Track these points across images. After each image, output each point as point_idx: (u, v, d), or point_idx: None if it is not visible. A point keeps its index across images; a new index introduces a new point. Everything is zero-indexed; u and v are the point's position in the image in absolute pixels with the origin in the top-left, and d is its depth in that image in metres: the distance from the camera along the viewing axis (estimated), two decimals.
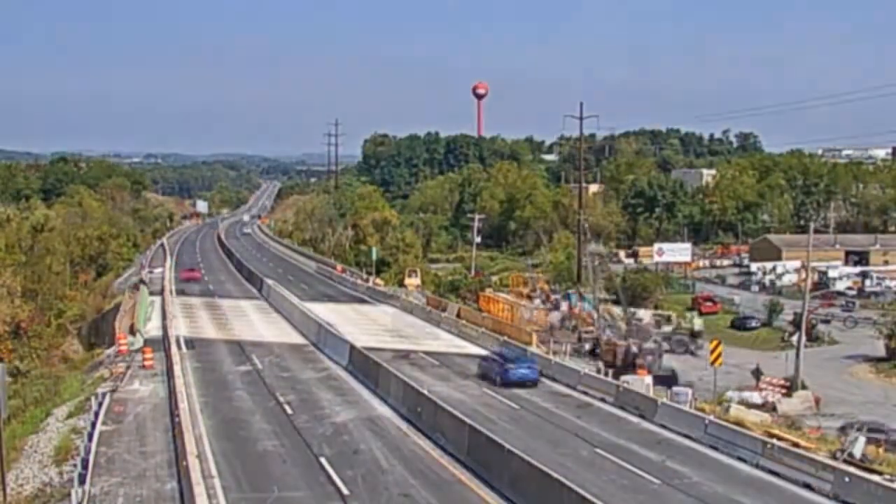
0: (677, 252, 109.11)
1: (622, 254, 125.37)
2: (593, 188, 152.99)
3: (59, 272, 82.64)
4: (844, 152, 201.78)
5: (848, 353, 64.52)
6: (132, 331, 51.39)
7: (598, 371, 44.64)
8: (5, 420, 28.06)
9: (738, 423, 32.48)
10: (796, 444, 30.37)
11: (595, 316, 50.34)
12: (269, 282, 74.33)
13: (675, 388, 39.18)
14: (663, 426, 32.62)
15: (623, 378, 40.89)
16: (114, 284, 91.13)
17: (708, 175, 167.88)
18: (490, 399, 37.54)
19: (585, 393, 38.43)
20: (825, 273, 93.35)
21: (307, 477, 25.97)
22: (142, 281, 75.95)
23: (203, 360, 44.80)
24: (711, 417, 32.02)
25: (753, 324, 74.71)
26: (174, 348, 43.95)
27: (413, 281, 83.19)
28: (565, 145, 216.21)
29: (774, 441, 28.92)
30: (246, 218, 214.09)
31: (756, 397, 46.32)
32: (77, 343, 67.15)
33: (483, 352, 47.98)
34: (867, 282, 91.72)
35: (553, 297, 74.38)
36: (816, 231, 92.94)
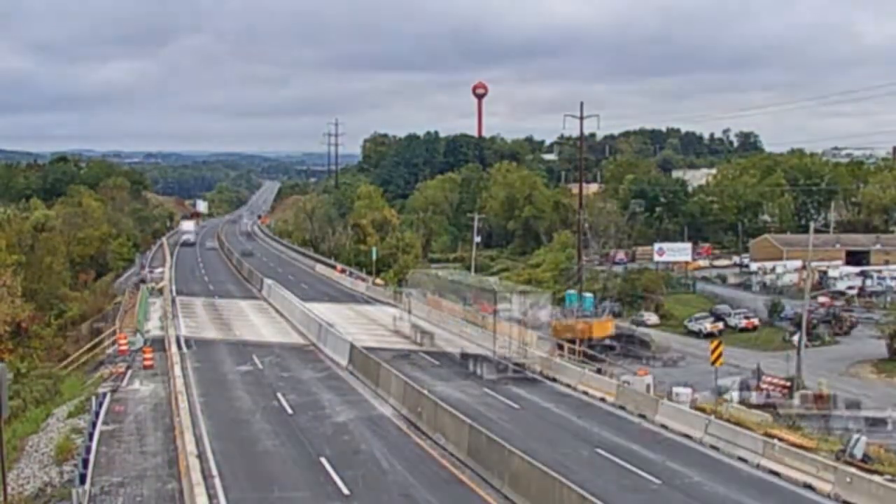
0: (677, 252, 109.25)
1: (619, 253, 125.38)
2: (593, 188, 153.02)
3: (59, 272, 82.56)
4: (845, 152, 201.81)
5: (849, 353, 64.50)
6: (133, 330, 51.34)
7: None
8: (6, 420, 28.02)
9: (739, 423, 32.44)
10: (797, 444, 30.33)
11: None
12: (269, 281, 74.34)
13: (675, 388, 39.19)
14: (664, 426, 32.62)
15: (623, 378, 40.88)
16: (114, 284, 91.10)
17: (708, 174, 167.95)
18: (490, 399, 37.55)
19: (586, 393, 38.43)
20: (825, 273, 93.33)
21: (307, 477, 25.96)
22: (142, 281, 75.99)
23: (203, 360, 44.79)
24: (712, 417, 32.00)
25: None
26: (174, 348, 43.94)
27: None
28: (565, 145, 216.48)
29: (775, 441, 28.90)
30: (246, 220, 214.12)
31: (756, 397, 46.35)
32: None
33: (483, 352, 47.82)
34: (868, 281, 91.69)
35: None
36: (817, 231, 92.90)
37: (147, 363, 42.63)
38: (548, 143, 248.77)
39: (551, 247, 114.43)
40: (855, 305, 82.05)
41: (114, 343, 49.33)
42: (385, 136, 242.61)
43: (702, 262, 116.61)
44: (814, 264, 69.34)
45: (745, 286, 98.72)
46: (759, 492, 25.88)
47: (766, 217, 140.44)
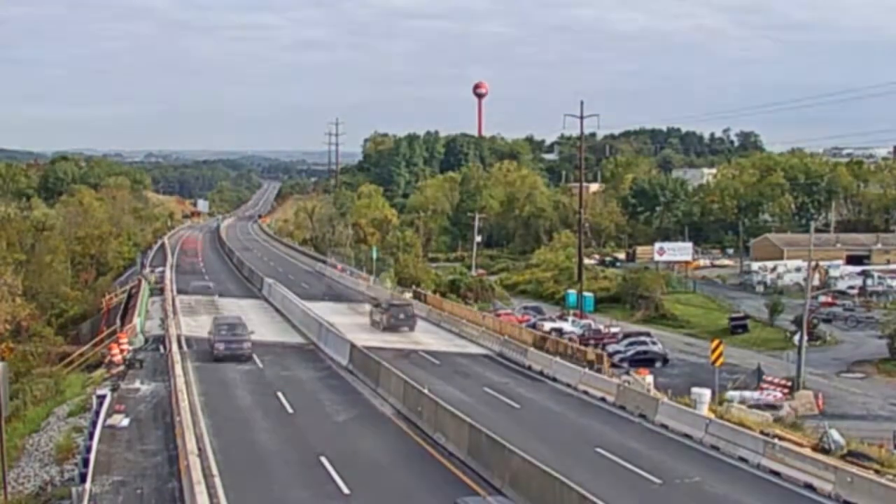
0: (678, 251, 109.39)
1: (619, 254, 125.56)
2: (593, 187, 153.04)
3: (59, 271, 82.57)
4: (845, 151, 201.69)
5: (850, 353, 64.50)
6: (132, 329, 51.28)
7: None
8: (6, 419, 28.02)
9: (739, 423, 32.43)
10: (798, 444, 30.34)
11: None
12: (269, 280, 74.25)
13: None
14: (664, 426, 32.60)
15: (624, 377, 40.85)
16: (114, 284, 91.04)
17: (708, 174, 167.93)
18: (490, 398, 37.53)
19: (586, 392, 38.41)
20: (826, 272, 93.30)
21: (307, 477, 25.94)
22: (144, 280, 75.85)
23: (203, 359, 44.72)
24: (712, 417, 31.99)
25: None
26: (175, 347, 43.89)
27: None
28: (565, 144, 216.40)
29: (776, 441, 28.89)
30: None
31: (757, 397, 46.33)
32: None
33: (483, 351, 47.99)
34: (869, 281, 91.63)
35: None
36: (817, 231, 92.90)
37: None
38: (548, 142, 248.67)
39: (551, 246, 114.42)
40: (855, 304, 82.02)
41: (114, 336, 49.20)
42: (385, 135, 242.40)
43: (702, 262, 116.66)
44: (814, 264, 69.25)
45: (746, 286, 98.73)
46: (760, 492, 25.86)
47: (767, 217, 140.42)
